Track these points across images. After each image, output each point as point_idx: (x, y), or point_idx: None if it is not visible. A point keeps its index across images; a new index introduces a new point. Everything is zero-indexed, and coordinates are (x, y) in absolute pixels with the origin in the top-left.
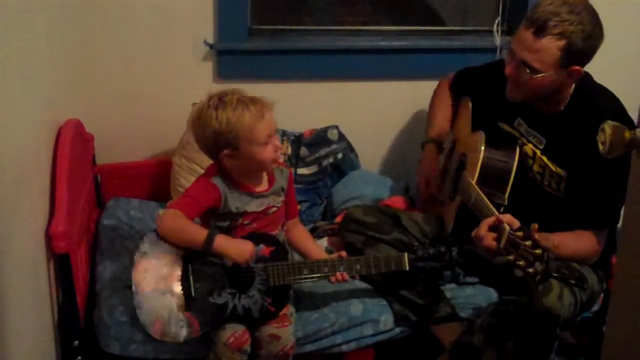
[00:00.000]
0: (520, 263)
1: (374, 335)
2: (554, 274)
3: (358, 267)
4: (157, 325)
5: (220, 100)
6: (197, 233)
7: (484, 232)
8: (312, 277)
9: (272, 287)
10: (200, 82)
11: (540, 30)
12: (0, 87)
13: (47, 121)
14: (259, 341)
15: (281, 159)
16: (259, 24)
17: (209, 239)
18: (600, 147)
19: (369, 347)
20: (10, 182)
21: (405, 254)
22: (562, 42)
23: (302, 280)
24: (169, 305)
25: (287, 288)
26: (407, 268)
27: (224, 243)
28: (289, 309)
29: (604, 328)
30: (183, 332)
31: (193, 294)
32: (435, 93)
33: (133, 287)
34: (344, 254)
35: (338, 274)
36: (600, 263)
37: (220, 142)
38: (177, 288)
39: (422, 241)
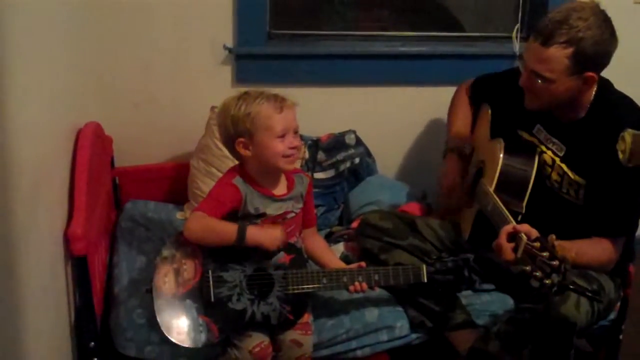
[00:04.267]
0: (537, 274)
1: (389, 341)
2: (571, 287)
3: (377, 277)
4: (176, 330)
5: (245, 93)
6: (227, 229)
7: (502, 242)
8: (331, 286)
9: (291, 295)
10: (218, 86)
11: (547, 39)
12: (20, 91)
13: (66, 124)
14: (280, 344)
15: (298, 164)
16: (277, 29)
17: (241, 232)
18: (620, 155)
19: (383, 352)
20: (29, 184)
21: (424, 266)
22: (570, 50)
23: (321, 289)
24: (188, 310)
25: (306, 296)
26: (425, 280)
27: (256, 233)
28: (311, 317)
29: (621, 336)
30: (202, 337)
31: (212, 299)
32: (453, 100)
33: (153, 292)
34: (363, 264)
35: (357, 283)
36: (618, 271)
37: (237, 128)
38: (197, 293)
39: (438, 248)
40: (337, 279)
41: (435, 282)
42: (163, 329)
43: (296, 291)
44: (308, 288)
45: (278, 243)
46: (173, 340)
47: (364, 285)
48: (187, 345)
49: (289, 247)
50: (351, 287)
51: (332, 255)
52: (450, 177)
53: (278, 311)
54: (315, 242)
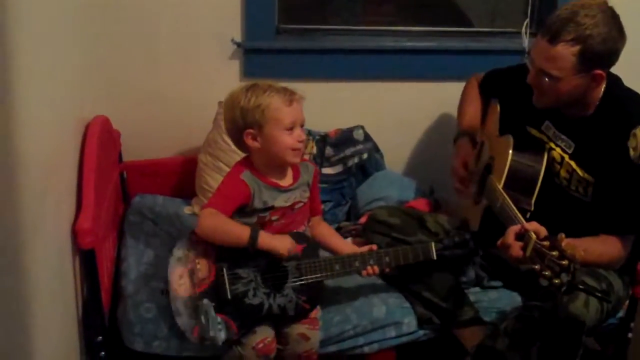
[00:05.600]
0: (546, 273)
1: (396, 337)
2: (580, 286)
3: (387, 259)
4: (196, 330)
5: (253, 85)
6: (240, 231)
7: (510, 240)
8: (344, 272)
9: (305, 284)
10: (226, 80)
11: (554, 37)
12: (29, 84)
13: (74, 118)
14: (286, 338)
15: (304, 155)
16: (286, 23)
17: (254, 236)
18: (631, 152)
19: (390, 349)
20: (37, 178)
21: (432, 243)
22: (577, 48)
23: (335, 276)
24: (206, 310)
25: (320, 284)
26: (435, 257)
27: (268, 238)
28: (319, 312)
29: (630, 335)
30: (222, 335)
31: (229, 296)
32: (464, 92)
33: (170, 294)
34: (374, 247)
35: (369, 267)
36: (626, 269)
37: (246, 120)
38: (213, 292)
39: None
40: (350, 264)
41: (445, 258)
42: (183, 330)
43: (310, 280)
44: (321, 276)
45: (289, 248)
46: (193, 341)
47: (376, 268)
48: (207, 344)
49: (299, 237)
50: (363, 272)
51: (340, 239)
52: (461, 159)
53: (294, 302)
54: (322, 229)
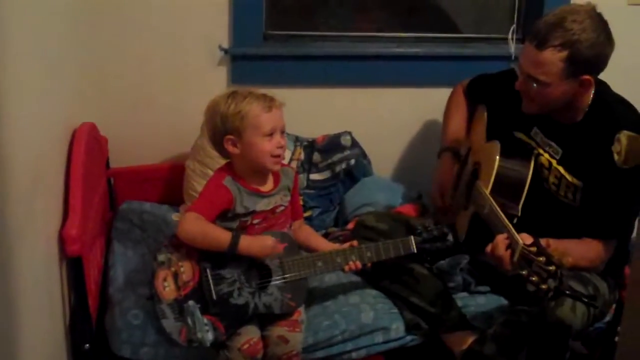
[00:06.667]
0: (534, 279)
1: (384, 342)
2: (567, 292)
3: (369, 254)
4: (183, 333)
5: (234, 92)
6: (220, 236)
7: (502, 252)
8: (327, 268)
9: (289, 282)
10: (214, 86)
11: (541, 43)
12: (16, 90)
13: (61, 124)
14: (266, 340)
15: (292, 162)
16: (273, 30)
17: (234, 241)
18: (616, 157)
19: (378, 354)
20: (24, 184)
21: (412, 237)
22: (564, 53)
23: (318, 272)
24: (192, 311)
25: (305, 282)
26: (415, 251)
27: (248, 243)
28: (301, 315)
29: (617, 339)
30: (209, 336)
31: (214, 297)
32: (449, 100)
33: (155, 298)
34: (355, 243)
35: (351, 262)
36: (611, 271)
37: (226, 126)
38: (198, 293)
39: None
40: (332, 261)
41: (425, 252)
42: (169, 332)
43: (294, 278)
44: (305, 273)
45: (268, 252)
46: (181, 343)
47: (358, 263)
48: (195, 346)
49: (280, 236)
50: (346, 267)
51: (321, 239)
52: (442, 177)
53: (279, 300)
54: (304, 232)
